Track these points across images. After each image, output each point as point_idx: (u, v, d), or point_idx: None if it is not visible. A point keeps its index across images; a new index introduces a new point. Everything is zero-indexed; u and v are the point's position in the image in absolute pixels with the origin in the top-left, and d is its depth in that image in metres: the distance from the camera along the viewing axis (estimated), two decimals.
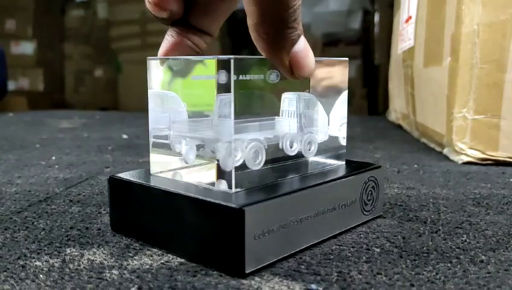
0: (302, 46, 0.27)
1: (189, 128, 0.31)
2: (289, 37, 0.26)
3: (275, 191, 0.29)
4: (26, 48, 2.19)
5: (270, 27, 0.26)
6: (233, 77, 0.27)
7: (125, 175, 0.33)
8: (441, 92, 0.67)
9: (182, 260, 0.28)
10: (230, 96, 0.27)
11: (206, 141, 0.30)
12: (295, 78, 0.28)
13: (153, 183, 0.31)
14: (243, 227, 0.25)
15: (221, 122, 0.29)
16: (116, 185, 0.32)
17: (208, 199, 0.27)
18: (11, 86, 1.96)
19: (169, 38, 0.31)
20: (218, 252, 0.27)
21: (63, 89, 2.39)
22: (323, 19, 2.08)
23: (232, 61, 0.26)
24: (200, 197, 0.27)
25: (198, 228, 0.28)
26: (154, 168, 0.33)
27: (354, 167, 0.37)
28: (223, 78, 0.27)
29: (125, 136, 0.88)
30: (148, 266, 0.27)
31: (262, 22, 0.25)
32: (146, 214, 0.31)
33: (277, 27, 0.26)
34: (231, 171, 0.28)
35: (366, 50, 2.10)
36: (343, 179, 0.33)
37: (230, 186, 0.28)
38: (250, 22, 0.26)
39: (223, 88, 0.27)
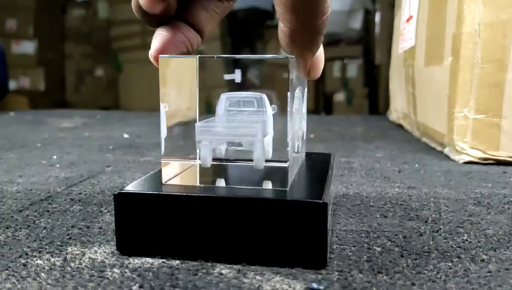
0: (321, 50, 0.30)
1: (227, 128, 0.31)
2: (319, 43, 0.28)
3: (318, 186, 0.30)
4: (27, 47, 2.20)
5: (306, 34, 0.27)
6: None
7: (138, 188, 0.29)
8: (442, 91, 0.67)
9: (183, 259, 0.28)
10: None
11: (246, 141, 0.30)
12: (310, 78, 0.30)
13: (199, 192, 0.28)
14: (326, 219, 0.26)
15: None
16: (133, 201, 0.28)
17: (286, 198, 0.27)
18: (12, 85, 1.97)
19: (163, 34, 0.29)
20: (298, 247, 0.27)
21: (63, 88, 2.39)
22: None
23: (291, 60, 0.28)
24: (273, 197, 0.27)
25: (269, 228, 0.27)
26: (166, 176, 0.30)
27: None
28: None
29: (126, 136, 0.88)
30: (149, 265, 0.27)
31: (300, 30, 0.27)
32: (185, 226, 0.28)
33: (313, 34, 0.27)
34: (287, 168, 0.29)
35: (367, 50, 2.10)
36: None
37: (284, 185, 0.29)
38: (286, 29, 0.27)
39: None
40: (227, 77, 0.30)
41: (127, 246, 0.29)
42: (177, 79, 0.31)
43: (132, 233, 0.28)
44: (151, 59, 0.29)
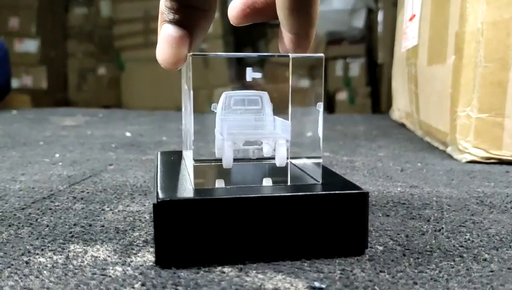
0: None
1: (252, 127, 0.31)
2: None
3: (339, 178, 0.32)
4: (30, 45, 2.20)
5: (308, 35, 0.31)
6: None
7: (175, 194, 0.27)
8: (445, 90, 0.67)
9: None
10: None
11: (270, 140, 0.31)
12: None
13: (241, 193, 0.27)
14: (367, 207, 0.28)
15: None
16: (176, 209, 0.26)
17: (333, 192, 0.28)
18: (15, 83, 1.97)
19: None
20: (341, 237, 0.28)
21: (66, 86, 2.39)
22: (327, 17, 2.08)
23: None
24: (320, 192, 0.28)
25: (314, 222, 0.28)
26: (198, 181, 0.29)
27: None
28: None
29: (128, 134, 0.88)
30: (151, 263, 0.27)
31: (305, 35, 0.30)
32: (229, 230, 0.27)
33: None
34: (320, 164, 0.30)
35: (370, 49, 2.10)
36: None
37: (318, 179, 0.30)
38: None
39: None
40: (252, 75, 0.30)
41: (168, 258, 0.27)
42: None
43: (174, 244, 0.26)
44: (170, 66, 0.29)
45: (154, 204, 0.26)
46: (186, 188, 0.28)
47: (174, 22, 0.27)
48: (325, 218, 0.28)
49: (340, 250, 0.29)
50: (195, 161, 0.29)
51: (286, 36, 0.32)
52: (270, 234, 0.27)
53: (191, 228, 0.26)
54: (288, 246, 0.28)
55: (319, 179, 0.30)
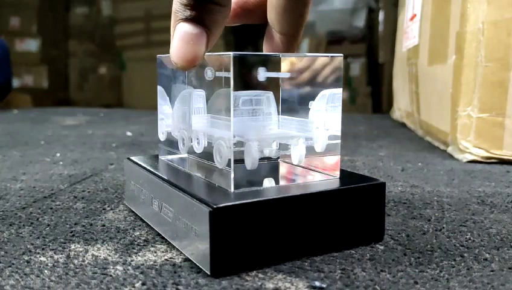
0: None
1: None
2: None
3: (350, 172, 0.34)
4: (31, 45, 2.20)
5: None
6: None
7: (222, 200, 0.26)
8: (446, 90, 0.67)
9: (186, 257, 0.28)
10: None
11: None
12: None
13: (278, 193, 0.28)
14: (385, 196, 0.31)
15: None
16: (232, 215, 0.26)
17: (358, 185, 0.30)
18: (16, 83, 1.97)
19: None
20: (361, 228, 0.30)
21: (67, 86, 2.39)
22: (328, 17, 2.07)
23: None
24: (346, 186, 0.30)
25: (341, 215, 0.29)
26: (236, 183, 0.28)
27: None
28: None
29: (129, 134, 0.89)
30: (152, 262, 0.27)
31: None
32: (277, 230, 0.27)
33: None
34: (338, 159, 0.32)
35: (371, 48, 2.10)
36: None
37: (337, 175, 0.32)
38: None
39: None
40: (280, 75, 0.31)
41: (222, 267, 0.26)
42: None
43: (228, 251, 0.26)
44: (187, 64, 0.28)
45: (210, 212, 0.25)
46: (226, 193, 0.27)
47: (191, 20, 0.26)
48: (355, 209, 0.30)
49: (365, 238, 0.31)
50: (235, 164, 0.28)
51: (276, 37, 0.32)
52: (313, 230, 0.28)
53: (245, 233, 0.26)
54: (327, 239, 0.29)
55: (337, 174, 0.32)
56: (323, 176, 0.32)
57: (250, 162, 0.29)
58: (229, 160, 0.28)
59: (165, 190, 0.30)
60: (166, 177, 0.31)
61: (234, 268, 0.26)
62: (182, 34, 0.26)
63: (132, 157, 0.38)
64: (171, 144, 0.36)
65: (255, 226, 0.26)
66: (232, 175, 0.28)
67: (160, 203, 0.31)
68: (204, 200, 0.26)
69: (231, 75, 0.27)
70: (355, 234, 0.30)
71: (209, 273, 0.25)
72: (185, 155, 0.35)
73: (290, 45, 0.32)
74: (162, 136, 0.37)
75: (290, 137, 0.32)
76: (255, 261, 0.27)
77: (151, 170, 0.34)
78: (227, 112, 0.28)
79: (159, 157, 0.37)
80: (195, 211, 0.26)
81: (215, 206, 0.25)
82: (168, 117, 0.36)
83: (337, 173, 0.32)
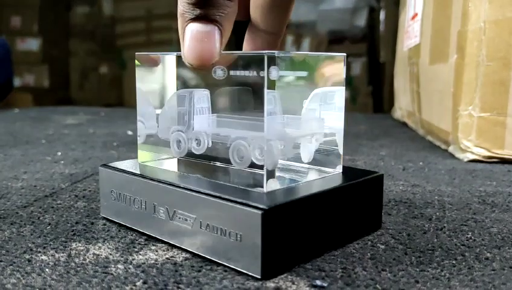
0: None
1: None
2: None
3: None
4: (32, 44, 2.20)
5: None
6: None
7: (279, 200, 0.26)
8: (447, 89, 0.67)
9: (187, 255, 0.28)
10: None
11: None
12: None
13: (310, 190, 0.28)
14: (382, 188, 0.34)
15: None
16: (281, 214, 0.26)
17: (365, 177, 0.32)
18: (17, 82, 1.97)
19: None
20: (367, 218, 0.32)
21: (68, 85, 2.39)
22: (329, 16, 2.07)
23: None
24: (357, 180, 0.31)
25: (354, 207, 0.31)
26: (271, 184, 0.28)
27: None
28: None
29: (130, 133, 0.89)
30: (153, 261, 0.27)
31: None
32: (310, 229, 0.28)
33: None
34: (340, 155, 0.33)
35: (372, 48, 2.10)
36: None
37: (339, 169, 0.33)
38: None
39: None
40: (298, 74, 0.30)
41: (272, 268, 0.26)
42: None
43: (276, 252, 0.26)
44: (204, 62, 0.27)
45: (262, 214, 0.24)
46: (260, 194, 0.27)
47: (200, 18, 0.26)
48: (364, 200, 0.32)
49: (367, 228, 0.33)
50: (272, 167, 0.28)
51: (259, 35, 0.32)
52: (335, 223, 0.30)
53: (288, 231, 0.26)
54: (344, 231, 0.31)
55: (340, 169, 0.33)
56: (327, 172, 0.32)
57: (272, 163, 0.29)
58: (252, 160, 0.29)
59: (180, 196, 0.29)
60: (178, 183, 0.29)
61: (281, 268, 0.26)
62: (194, 34, 0.26)
63: (110, 164, 0.35)
64: (155, 147, 0.35)
65: (295, 224, 0.27)
66: (266, 176, 0.28)
67: (170, 210, 0.29)
68: (250, 203, 0.25)
69: (265, 74, 0.27)
70: (363, 224, 0.32)
71: (259, 276, 0.25)
72: (172, 158, 0.34)
73: (274, 44, 0.32)
74: (141, 139, 0.35)
75: (311, 135, 0.32)
76: (296, 259, 0.27)
77: (151, 176, 0.31)
78: (252, 112, 0.28)
79: (139, 162, 0.35)
80: (240, 215, 0.25)
81: (266, 208, 0.25)
82: (150, 119, 0.35)
83: (340, 168, 0.33)
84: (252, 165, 0.29)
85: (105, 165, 0.35)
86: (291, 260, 0.27)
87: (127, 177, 0.32)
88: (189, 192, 0.28)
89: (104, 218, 0.35)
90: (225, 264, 0.27)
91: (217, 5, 0.26)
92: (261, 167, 0.28)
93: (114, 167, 0.34)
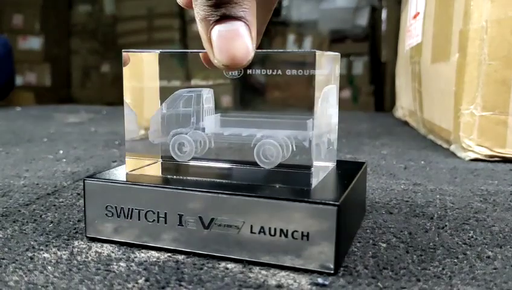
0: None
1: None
2: None
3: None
4: (34, 43, 2.20)
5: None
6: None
7: (339, 194, 0.27)
8: (449, 88, 0.67)
9: (189, 253, 0.28)
10: None
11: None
12: None
13: (348, 182, 0.30)
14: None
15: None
16: (345, 207, 0.27)
17: (361, 167, 0.34)
18: (19, 80, 1.97)
19: None
20: (363, 205, 0.36)
21: (69, 84, 2.40)
22: (331, 15, 2.07)
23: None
24: (359, 170, 0.33)
25: (361, 196, 0.35)
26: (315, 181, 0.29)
27: None
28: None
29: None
30: (155, 259, 0.28)
31: None
32: (350, 218, 0.29)
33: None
34: (335, 150, 0.34)
35: (373, 47, 2.09)
36: None
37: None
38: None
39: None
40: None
41: (340, 261, 0.27)
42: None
43: (342, 244, 0.27)
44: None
45: (337, 209, 0.25)
46: (308, 190, 0.28)
47: (225, 18, 0.24)
48: (362, 187, 0.37)
49: (363, 213, 0.36)
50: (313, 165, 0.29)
51: None
52: (356, 209, 0.33)
53: (346, 222, 0.27)
54: (358, 217, 0.34)
55: (335, 162, 0.35)
56: (327, 165, 0.33)
57: (315, 160, 0.29)
58: (280, 159, 0.29)
59: (221, 202, 0.27)
60: (214, 189, 0.28)
61: (342, 260, 0.27)
62: (223, 34, 0.24)
63: (99, 176, 0.31)
64: (148, 150, 0.33)
65: (348, 214, 0.28)
66: (313, 173, 0.28)
67: (205, 219, 0.27)
68: (321, 201, 0.25)
69: (316, 72, 0.27)
70: (362, 209, 0.35)
71: (332, 271, 0.25)
72: (155, 162, 0.33)
73: (257, 42, 0.32)
74: (130, 145, 0.32)
75: (328, 132, 0.32)
76: (347, 248, 0.29)
77: (170, 184, 0.29)
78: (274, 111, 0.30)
79: (127, 171, 0.32)
80: (309, 213, 0.26)
81: (339, 203, 0.25)
82: (131, 123, 0.32)
83: (335, 162, 0.35)
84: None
85: (93, 178, 0.30)
86: (346, 250, 0.28)
87: (135, 188, 0.29)
88: (234, 197, 0.27)
89: (92, 239, 0.30)
90: (285, 265, 0.26)
91: (238, 1, 0.25)
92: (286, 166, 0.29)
93: (108, 179, 0.30)
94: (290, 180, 0.29)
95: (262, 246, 0.26)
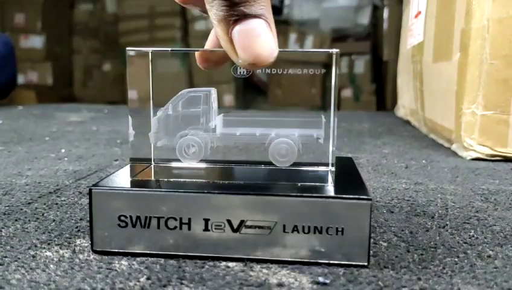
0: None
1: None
2: None
3: None
4: (35, 41, 2.20)
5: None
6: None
7: (361, 188, 0.28)
8: (450, 87, 0.67)
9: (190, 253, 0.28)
10: None
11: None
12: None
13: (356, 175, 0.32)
14: None
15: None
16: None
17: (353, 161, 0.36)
18: (20, 79, 1.98)
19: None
20: None
21: (71, 82, 2.40)
22: (332, 14, 2.07)
23: None
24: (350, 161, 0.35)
25: None
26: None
27: None
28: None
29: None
30: (156, 258, 0.28)
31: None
32: None
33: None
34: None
35: (375, 46, 2.09)
36: None
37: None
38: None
39: None
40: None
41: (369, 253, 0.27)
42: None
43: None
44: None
45: (371, 203, 0.26)
46: (331, 186, 0.28)
47: (245, 17, 0.24)
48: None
49: None
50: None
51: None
52: None
53: None
54: None
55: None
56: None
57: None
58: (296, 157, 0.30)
59: (251, 203, 0.27)
60: (242, 191, 0.27)
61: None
62: (246, 33, 0.24)
63: (106, 184, 0.29)
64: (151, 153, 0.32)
65: None
66: (331, 171, 0.29)
67: (234, 222, 0.27)
68: (355, 196, 0.26)
69: (335, 71, 0.27)
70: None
71: (366, 263, 0.26)
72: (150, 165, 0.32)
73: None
74: (133, 150, 0.32)
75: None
76: None
77: (191, 188, 0.28)
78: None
79: (131, 178, 0.31)
80: (343, 209, 0.26)
81: (371, 197, 0.26)
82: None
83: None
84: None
85: (99, 186, 0.28)
86: None
87: (152, 194, 0.27)
88: (265, 197, 0.27)
89: (100, 252, 0.28)
90: (319, 261, 0.27)
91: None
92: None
93: (119, 188, 0.28)
94: (307, 178, 0.29)
95: (296, 245, 0.27)
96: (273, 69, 0.29)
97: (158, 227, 0.27)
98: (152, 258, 0.27)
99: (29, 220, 0.34)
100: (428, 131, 0.84)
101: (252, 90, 0.31)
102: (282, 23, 2.07)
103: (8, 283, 0.24)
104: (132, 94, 0.32)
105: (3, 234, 0.31)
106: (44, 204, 0.38)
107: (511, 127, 0.59)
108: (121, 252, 0.28)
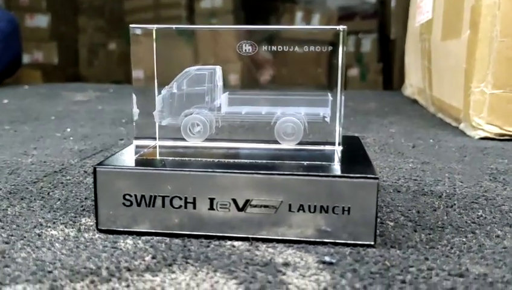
0: None
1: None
2: None
3: None
4: (41, 20, 2.19)
5: None
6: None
7: (368, 167, 0.28)
8: (459, 65, 0.66)
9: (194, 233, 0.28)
10: None
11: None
12: None
13: (360, 152, 0.32)
14: None
15: None
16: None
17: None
18: (26, 58, 1.97)
19: None
20: None
21: (77, 62, 2.39)
22: None
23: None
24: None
25: None
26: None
27: None
28: None
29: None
30: (162, 236, 0.27)
31: None
32: None
33: None
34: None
35: (382, 24, 2.07)
36: None
37: None
38: None
39: None
40: None
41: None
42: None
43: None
44: None
45: (377, 183, 0.26)
46: (337, 165, 0.28)
47: None
48: None
49: None
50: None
51: None
52: None
53: None
54: None
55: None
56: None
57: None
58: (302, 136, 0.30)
59: (257, 182, 0.27)
60: (247, 170, 0.27)
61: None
62: None
63: (110, 163, 0.28)
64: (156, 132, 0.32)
65: None
66: (339, 149, 0.29)
67: (239, 201, 0.27)
68: (362, 175, 0.26)
69: (342, 49, 0.27)
70: None
71: (373, 242, 0.26)
72: (160, 143, 0.31)
73: None
74: (138, 129, 0.31)
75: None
76: None
77: (196, 167, 0.27)
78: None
79: (135, 156, 0.30)
80: (350, 188, 0.26)
81: (378, 176, 0.26)
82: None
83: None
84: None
85: (103, 165, 0.28)
86: None
87: (158, 173, 0.27)
88: (271, 176, 0.26)
89: (105, 231, 0.28)
90: (325, 241, 0.26)
91: None
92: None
93: (124, 166, 0.28)
94: (313, 157, 0.29)
95: (302, 225, 0.26)
96: (279, 47, 0.29)
97: (163, 206, 0.27)
98: (157, 237, 0.27)
99: (34, 199, 0.34)
100: (436, 110, 0.83)
101: (263, 68, 0.31)
102: (289, 1, 2.04)
103: (14, 262, 0.24)
104: (136, 73, 0.31)
105: (9, 213, 0.31)
106: (50, 183, 0.38)
107: None
108: (126, 231, 0.28)
